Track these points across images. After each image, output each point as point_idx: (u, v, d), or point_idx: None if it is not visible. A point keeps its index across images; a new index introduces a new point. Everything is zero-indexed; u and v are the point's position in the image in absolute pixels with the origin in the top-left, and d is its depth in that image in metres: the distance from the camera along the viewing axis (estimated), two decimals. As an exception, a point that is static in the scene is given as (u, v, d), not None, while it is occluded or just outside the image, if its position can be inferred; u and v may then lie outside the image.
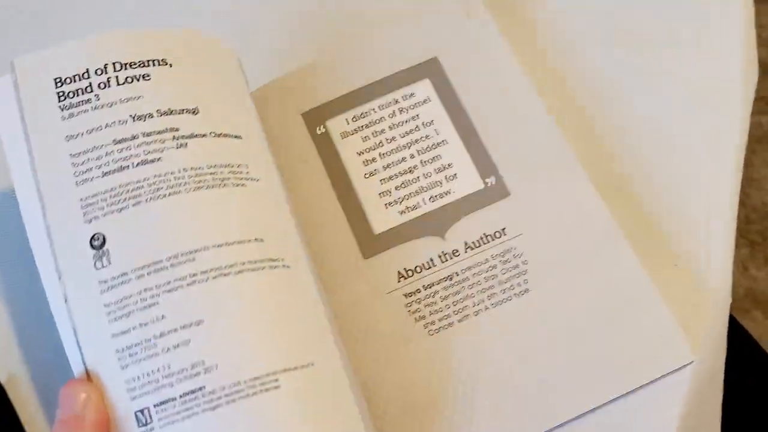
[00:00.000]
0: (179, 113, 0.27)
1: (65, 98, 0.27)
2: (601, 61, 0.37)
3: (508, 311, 0.32)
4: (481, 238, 0.33)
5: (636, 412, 0.31)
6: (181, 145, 0.27)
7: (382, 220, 0.34)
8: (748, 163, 0.96)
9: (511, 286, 0.32)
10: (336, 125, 0.36)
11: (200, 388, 0.24)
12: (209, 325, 0.25)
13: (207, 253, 0.25)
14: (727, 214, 0.35)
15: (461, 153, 0.35)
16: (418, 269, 0.33)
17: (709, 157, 0.35)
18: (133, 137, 0.26)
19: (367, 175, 0.35)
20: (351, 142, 0.35)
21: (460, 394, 0.31)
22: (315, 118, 0.36)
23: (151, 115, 0.27)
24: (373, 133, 0.35)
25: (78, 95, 0.27)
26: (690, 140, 0.36)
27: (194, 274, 0.25)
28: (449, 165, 0.35)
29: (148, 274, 0.25)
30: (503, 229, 0.33)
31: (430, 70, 0.36)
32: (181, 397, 0.24)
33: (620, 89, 0.37)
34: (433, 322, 0.32)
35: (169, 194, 0.26)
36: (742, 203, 0.95)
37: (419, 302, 0.32)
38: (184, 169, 0.26)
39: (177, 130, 0.27)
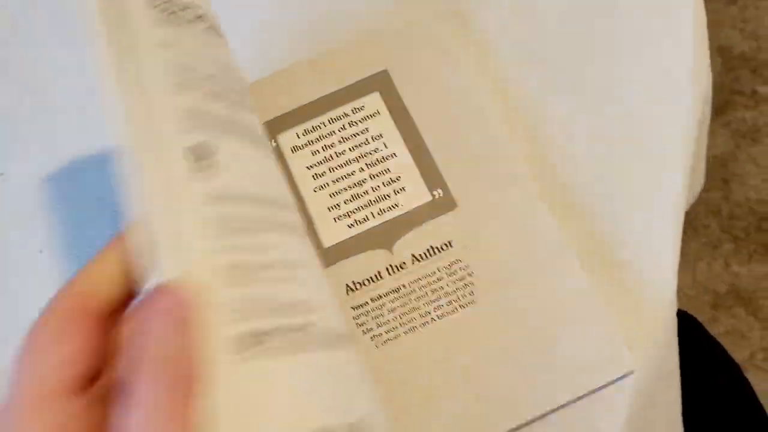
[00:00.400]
0: None
1: None
2: (549, 72, 0.38)
3: (454, 323, 0.32)
4: (428, 251, 0.34)
5: (580, 420, 0.32)
6: None
7: (331, 234, 0.34)
8: (732, 159, 0.96)
9: (457, 297, 0.33)
10: (287, 140, 0.36)
11: (305, 325, 0.22)
12: (315, 271, 0.24)
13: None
14: (671, 222, 0.35)
15: (410, 166, 0.35)
16: (366, 282, 0.33)
17: (653, 168, 0.35)
18: None
19: (316, 189, 0.35)
20: (301, 156, 0.36)
21: (406, 406, 0.31)
22: (265, 132, 0.36)
23: None
24: (323, 147, 0.36)
25: None
26: (634, 151, 0.36)
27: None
28: (398, 178, 0.35)
29: (258, 202, 0.23)
30: (450, 241, 0.34)
31: (380, 83, 0.37)
32: (285, 330, 0.21)
33: (566, 100, 0.37)
34: (380, 335, 0.32)
35: None
36: (726, 199, 0.95)
37: (367, 315, 0.33)
38: None
39: None
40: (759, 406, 0.56)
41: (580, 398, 0.32)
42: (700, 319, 0.89)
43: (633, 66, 0.37)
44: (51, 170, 0.39)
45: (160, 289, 0.20)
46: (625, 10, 0.38)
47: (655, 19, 0.37)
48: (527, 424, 0.31)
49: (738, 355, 0.88)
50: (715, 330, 0.89)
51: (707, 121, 0.46)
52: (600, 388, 0.32)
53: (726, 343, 0.87)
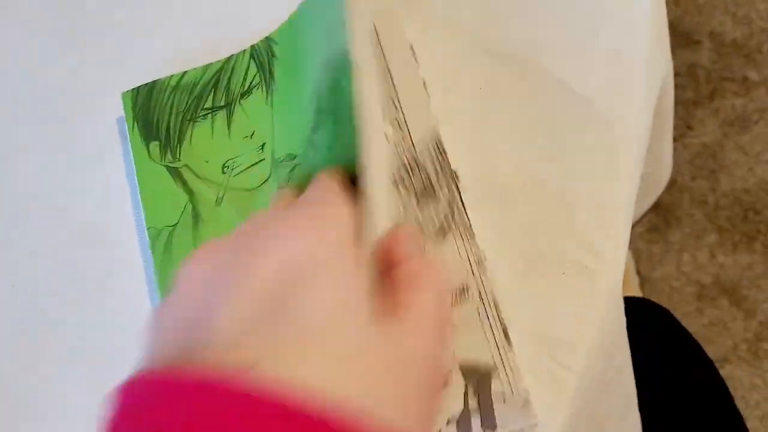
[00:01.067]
0: None
1: None
2: (500, 56, 0.36)
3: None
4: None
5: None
6: None
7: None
8: (720, 148, 0.94)
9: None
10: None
11: None
12: None
13: None
14: (621, 214, 0.34)
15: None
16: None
17: (603, 157, 0.34)
18: None
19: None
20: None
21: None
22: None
23: None
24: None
25: None
26: (585, 139, 0.35)
27: None
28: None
29: None
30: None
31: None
32: None
33: (517, 87, 0.36)
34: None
35: None
36: (712, 191, 0.93)
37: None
38: None
39: None
40: (732, 403, 0.56)
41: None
42: (684, 310, 0.89)
43: (586, 52, 0.36)
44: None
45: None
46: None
47: (610, 4, 0.36)
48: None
49: (721, 345, 0.88)
50: (699, 321, 0.88)
51: (670, 113, 0.45)
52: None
53: (710, 333, 0.87)
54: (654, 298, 0.89)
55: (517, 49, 0.36)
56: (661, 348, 0.56)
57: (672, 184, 0.91)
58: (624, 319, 0.35)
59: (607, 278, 0.33)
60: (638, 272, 0.90)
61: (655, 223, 0.92)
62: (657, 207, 0.91)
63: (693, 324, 0.89)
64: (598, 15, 0.36)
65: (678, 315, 0.88)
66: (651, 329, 0.56)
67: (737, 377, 0.86)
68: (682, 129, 0.95)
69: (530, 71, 0.35)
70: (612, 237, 0.34)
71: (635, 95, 0.35)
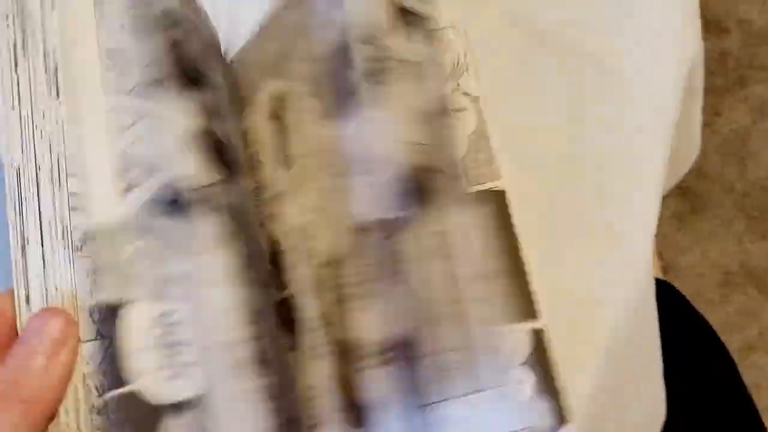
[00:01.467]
0: None
1: None
2: (536, 33, 0.38)
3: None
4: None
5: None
6: None
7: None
8: (747, 137, 0.95)
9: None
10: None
11: None
12: None
13: None
14: (651, 188, 0.35)
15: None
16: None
17: (632, 133, 0.35)
18: None
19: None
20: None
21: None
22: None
23: None
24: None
25: None
26: (614, 115, 0.36)
27: None
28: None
29: None
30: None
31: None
32: None
33: (550, 62, 0.37)
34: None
35: None
36: (741, 178, 0.93)
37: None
38: None
39: None
40: (747, 394, 0.56)
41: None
42: (710, 297, 0.89)
43: (620, 30, 0.37)
44: None
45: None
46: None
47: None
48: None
49: (747, 334, 0.88)
50: (725, 309, 0.88)
51: (700, 93, 0.45)
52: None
53: (736, 321, 0.87)
54: (679, 285, 0.90)
55: (553, 27, 0.37)
56: (675, 333, 0.57)
57: (699, 170, 0.92)
58: (653, 285, 0.37)
59: (639, 236, 0.34)
60: (661, 258, 0.91)
61: (682, 210, 0.92)
62: (684, 193, 0.91)
63: (718, 311, 0.89)
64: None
65: (703, 302, 0.89)
66: (666, 314, 0.57)
67: (762, 365, 0.87)
68: (711, 116, 0.95)
69: (564, 48, 0.36)
70: (645, 209, 0.35)
71: (667, 71, 0.36)
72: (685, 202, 0.93)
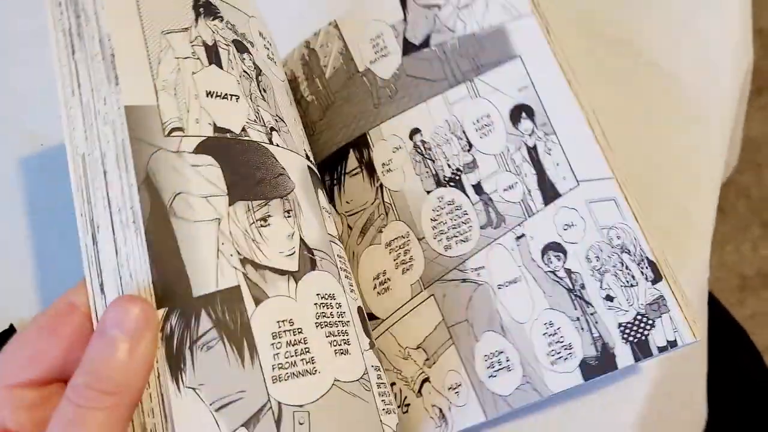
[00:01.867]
0: None
1: None
2: (604, 39, 0.39)
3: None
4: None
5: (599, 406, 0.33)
6: None
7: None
8: (763, 144, 0.96)
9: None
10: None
11: None
12: None
13: None
14: (709, 194, 0.36)
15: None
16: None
17: (692, 137, 0.36)
18: None
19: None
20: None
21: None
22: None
23: None
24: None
25: None
26: (675, 120, 0.37)
27: None
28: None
29: None
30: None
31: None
32: None
33: (616, 64, 0.38)
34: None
35: None
36: (757, 184, 0.95)
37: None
38: None
39: None
40: None
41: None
42: (727, 301, 0.90)
43: (680, 38, 0.38)
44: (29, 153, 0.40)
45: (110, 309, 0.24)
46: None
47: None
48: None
49: (764, 337, 0.89)
50: (742, 313, 0.90)
51: (745, 99, 0.47)
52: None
53: (752, 325, 0.88)
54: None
55: (616, 32, 0.38)
56: (709, 334, 0.58)
57: (718, 176, 0.93)
58: (707, 286, 0.38)
59: (697, 243, 0.35)
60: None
61: (701, 215, 0.93)
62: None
63: (735, 315, 0.90)
64: (692, 3, 0.38)
65: (720, 305, 0.90)
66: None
67: None
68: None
69: (627, 53, 0.38)
70: (702, 218, 0.36)
71: (722, 79, 0.37)
72: (703, 207, 0.94)
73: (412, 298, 0.33)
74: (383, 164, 0.35)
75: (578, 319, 0.31)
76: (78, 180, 0.26)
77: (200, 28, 0.30)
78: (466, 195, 0.33)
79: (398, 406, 0.33)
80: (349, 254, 0.35)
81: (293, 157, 0.31)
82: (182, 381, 0.24)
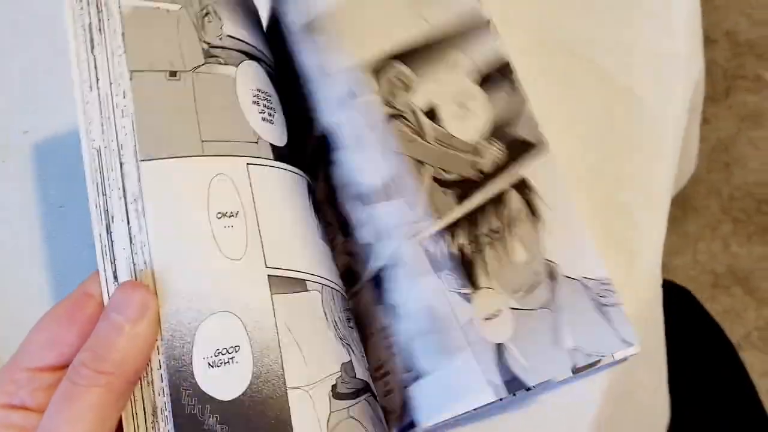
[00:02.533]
0: None
1: None
2: (553, 50, 0.40)
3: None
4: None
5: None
6: None
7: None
8: (733, 142, 0.98)
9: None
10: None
11: None
12: None
13: None
14: (659, 201, 0.37)
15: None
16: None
17: (643, 149, 0.38)
18: None
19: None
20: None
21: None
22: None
23: None
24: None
25: None
26: (626, 132, 0.38)
27: None
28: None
29: None
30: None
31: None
32: None
33: (569, 80, 0.39)
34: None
35: None
36: (726, 182, 0.97)
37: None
38: None
39: None
40: (750, 383, 0.59)
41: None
42: (699, 297, 0.92)
43: (631, 48, 0.39)
44: (73, 127, 0.42)
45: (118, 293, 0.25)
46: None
47: (652, 7, 0.39)
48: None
49: (735, 333, 0.91)
50: (714, 308, 0.92)
51: (699, 109, 0.48)
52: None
53: (723, 321, 0.90)
54: (670, 286, 0.93)
55: (570, 45, 0.39)
56: (684, 329, 0.59)
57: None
58: (661, 294, 0.39)
59: (648, 255, 0.37)
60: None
61: (674, 214, 0.95)
62: (674, 198, 0.95)
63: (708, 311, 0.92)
64: (639, 15, 0.39)
65: (694, 302, 0.91)
66: (674, 310, 0.59)
67: (750, 364, 0.89)
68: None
69: (581, 65, 0.39)
70: (654, 227, 0.37)
71: (675, 88, 0.39)
72: (676, 206, 0.96)
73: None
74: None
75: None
76: (93, 173, 0.26)
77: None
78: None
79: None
80: None
81: None
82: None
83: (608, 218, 0.37)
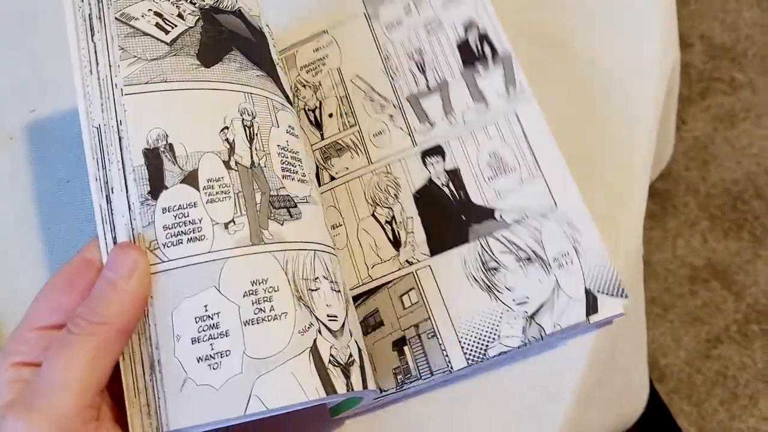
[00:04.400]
0: None
1: None
2: (538, 40, 0.42)
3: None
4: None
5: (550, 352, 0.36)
6: None
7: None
8: (710, 142, 1.01)
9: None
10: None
11: None
12: None
13: None
14: (640, 175, 0.40)
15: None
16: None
17: (624, 127, 0.40)
18: None
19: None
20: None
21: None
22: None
23: None
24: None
25: None
26: (608, 112, 0.41)
27: None
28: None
29: None
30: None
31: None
32: None
33: (553, 63, 0.42)
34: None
35: None
36: (704, 179, 1.00)
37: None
38: None
39: None
40: None
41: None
42: (679, 291, 0.95)
43: (611, 36, 0.42)
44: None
45: (113, 253, 0.28)
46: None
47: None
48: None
49: (714, 326, 0.93)
50: (693, 302, 0.94)
51: (675, 96, 0.51)
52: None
53: (703, 315, 0.93)
54: (651, 281, 0.95)
55: (554, 34, 0.42)
56: None
57: (668, 173, 0.98)
58: (641, 264, 0.41)
59: (628, 224, 0.39)
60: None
61: (653, 210, 0.98)
62: (654, 194, 0.97)
63: (687, 305, 0.94)
64: (619, 5, 0.42)
65: (674, 296, 0.94)
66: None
67: (728, 356, 0.90)
68: (677, 123, 1.01)
69: (565, 53, 0.41)
70: (635, 197, 0.39)
71: (653, 73, 0.41)
72: (655, 203, 0.98)
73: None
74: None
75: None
76: (93, 149, 0.29)
77: None
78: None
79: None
80: None
81: None
82: None
83: (589, 189, 0.39)
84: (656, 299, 0.94)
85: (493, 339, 0.34)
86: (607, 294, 0.33)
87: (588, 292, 0.33)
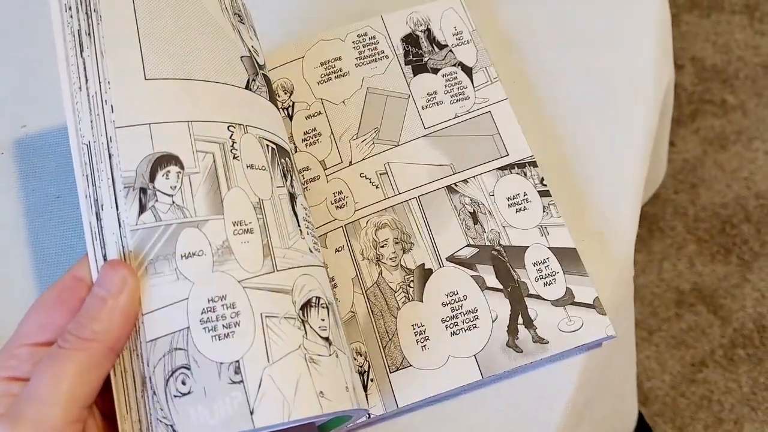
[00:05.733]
0: None
1: None
2: (532, 58, 0.41)
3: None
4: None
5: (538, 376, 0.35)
6: None
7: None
8: (699, 165, 1.01)
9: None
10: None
11: None
12: None
13: None
14: (632, 194, 0.39)
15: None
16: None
17: (616, 148, 0.39)
18: None
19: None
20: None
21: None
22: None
23: None
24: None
25: None
26: (602, 131, 0.40)
27: None
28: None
29: None
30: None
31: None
32: None
33: (545, 82, 0.41)
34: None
35: None
36: (692, 203, 0.99)
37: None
38: None
39: None
40: None
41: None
42: (664, 315, 0.94)
43: (604, 57, 0.41)
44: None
45: (103, 270, 0.27)
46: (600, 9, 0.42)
47: (624, 17, 0.41)
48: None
49: (699, 350, 0.92)
50: (678, 326, 0.93)
51: (668, 117, 0.50)
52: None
53: (688, 339, 0.92)
54: (637, 304, 0.94)
55: (547, 45, 0.41)
56: None
57: (656, 196, 0.97)
58: (632, 285, 0.40)
59: (619, 245, 0.38)
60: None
61: (639, 233, 0.97)
62: (642, 218, 0.96)
63: (673, 328, 0.93)
64: (620, 17, 0.41)
65: (659, 320, 0.93)
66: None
67: (713, 381, 0.90)
68: (666, 145, 1.01)
69: (562, 63, 0.40)
70: (627, 219, 0.38)
71: (648, 93, 0.40)
72: (642, 226, 0.98)
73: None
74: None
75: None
76: (83, 166, 0.29)
77: None
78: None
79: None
80: None
81: None
82: None
83: (581, 210, 0.38)
84: (641, 322, 0.93)
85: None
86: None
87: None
